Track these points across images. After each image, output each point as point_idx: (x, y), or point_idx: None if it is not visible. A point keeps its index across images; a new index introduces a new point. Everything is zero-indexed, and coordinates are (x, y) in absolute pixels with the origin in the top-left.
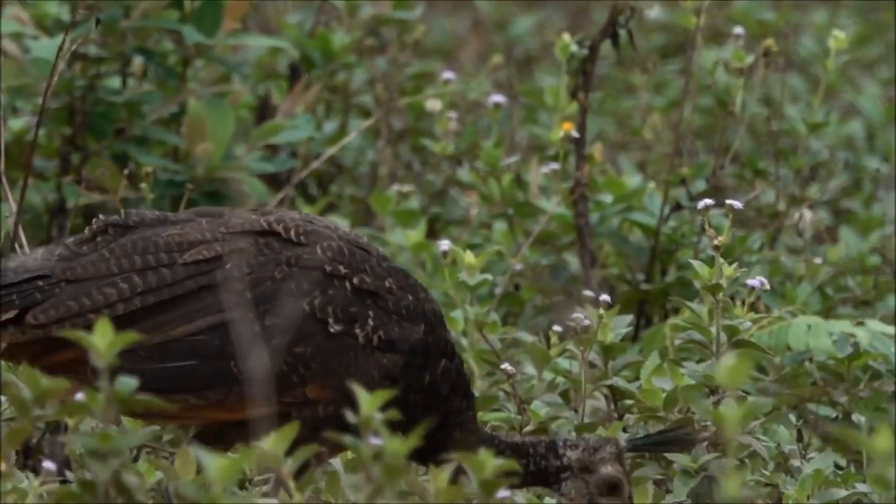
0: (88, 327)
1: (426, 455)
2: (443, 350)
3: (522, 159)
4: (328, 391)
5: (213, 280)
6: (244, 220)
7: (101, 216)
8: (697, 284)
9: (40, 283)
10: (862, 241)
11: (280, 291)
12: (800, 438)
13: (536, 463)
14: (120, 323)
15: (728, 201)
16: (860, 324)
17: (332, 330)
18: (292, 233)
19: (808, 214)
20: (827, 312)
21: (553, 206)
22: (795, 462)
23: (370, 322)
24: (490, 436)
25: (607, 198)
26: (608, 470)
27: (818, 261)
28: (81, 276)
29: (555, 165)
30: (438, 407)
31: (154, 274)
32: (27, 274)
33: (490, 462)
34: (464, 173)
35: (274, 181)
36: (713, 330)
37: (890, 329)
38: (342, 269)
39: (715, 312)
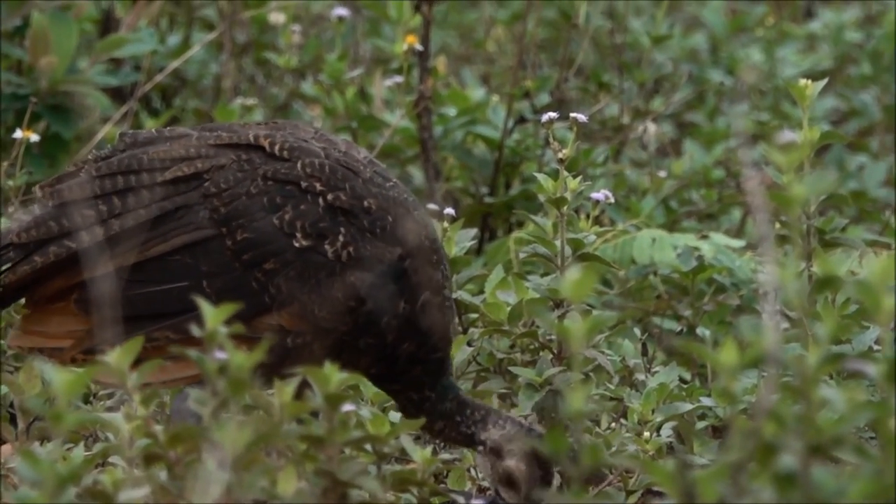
0: (70, 249)
1: (389, 385)
2: (427, 282)
3: (366, 72)
4: (298, 321)
5: (191, 199)
6: (234, 133)
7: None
8: (542, 198)
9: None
10: (706, 154)
11: (254, 206)
12: (644, 352)
13: (468, 426)
14: (101, 247)
15: (572, 114)
16: (704, 237)
17: (298, 245)
18: (276, 148)
19: (652, 127)
20: (671, 226)
21: (397, 119)
22: (640, 376)
23: (340, 238)
24: (452, 385)
25: (451, 111)
26: (510, 464)
27: (662, 174)
28: (66, 198)
29: (398, 79)
30: (412, 338)
31: (133, 195)
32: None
33: (335, 376)
34: (307, 86)
35: (118, 94)
36: (558, 243)
37: (734, 242)
38: (318, 186)
39: (559, 226)
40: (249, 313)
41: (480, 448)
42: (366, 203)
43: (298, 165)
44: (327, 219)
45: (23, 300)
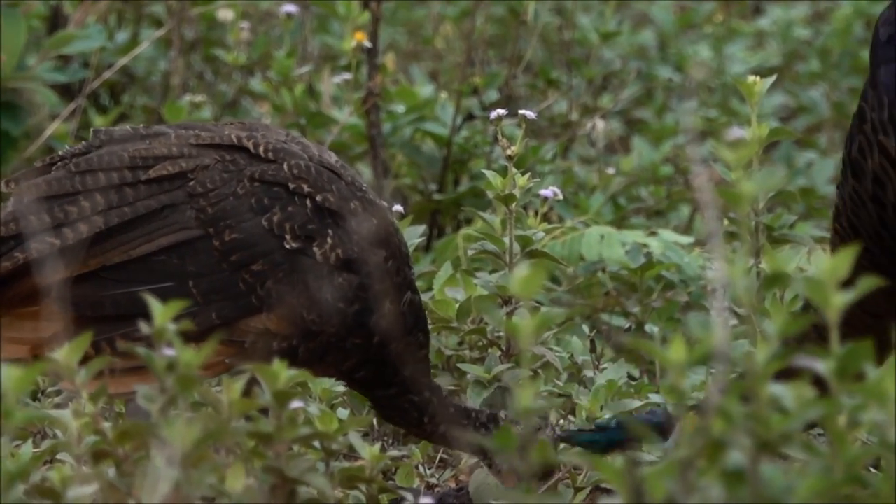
0: (52, 246)
1: (385, 390)
2: (407, 283)
3: (315, 69)
4: (285, 324)
5: (176, 198)
6: (215, 133)
7: (67, 147)
8: (490, 194)
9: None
10: (654, 150)
11: (241, 207)
12: (593, 349)
13: (477, 429)
14: (83, 244)
15: (521, 111)
16: (653, 234)
17: (287, 247)
18: (261, 149)
19: (600, 124)
20: (620, 222)
21: (345, 116)
22: (589, 373)
23: (329, 240)
24: (437, 387)
25: (400, 108)
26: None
27: (611, 171)
28: (46, 193)
29: (347, 75)
30: (401, 339)
31: (116, 193)
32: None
33: (283, 373)
34: (256, 83)
35: (66, 91)
36: (506, 240)
37: (682, 239)
38: (305, 188)
39: (508, 222)
40: (235, 314)
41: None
42: (352, 205)
43: (285, 167)
44: (316, 220)
45: None
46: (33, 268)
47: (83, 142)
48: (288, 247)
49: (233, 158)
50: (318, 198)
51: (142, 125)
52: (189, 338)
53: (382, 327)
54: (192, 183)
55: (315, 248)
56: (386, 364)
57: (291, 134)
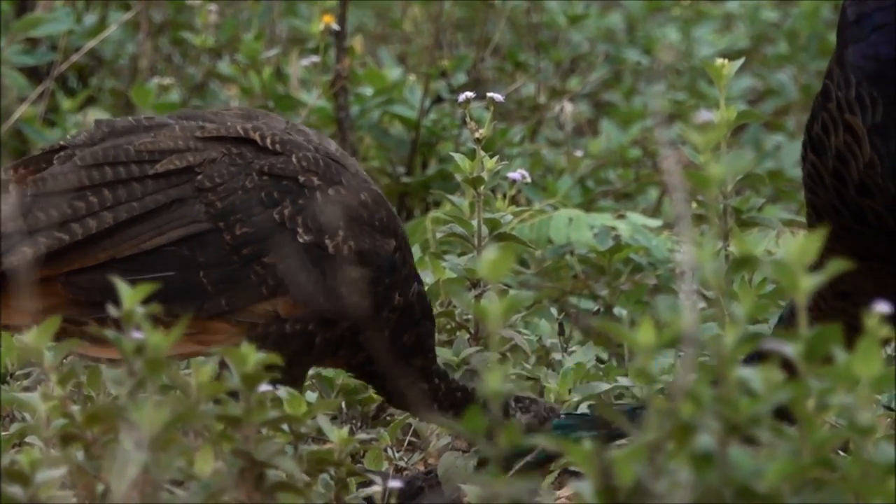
0: (62, 241)
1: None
2: (413, 273)
3: (283, 52)
4: (299, 308)
5: (185, 192)
6: (220, 125)
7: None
8: (458, 177)
9: None
10: (623, 133)
11: (251, 201)
12: (561, 332)
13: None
14: (93, 239)
15: (489, 94)
16: (621, 217)
17: (301, 240)
18: (268, 141)
19: (568, 107)
20: (588, 205)
21: (313, 98)
22: (557, 355)
23: (341, 232)
24: (444, 372)
25: (368, 91)
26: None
27: (579, 153)
28: (53, 188)
29: (315, 58)
30: (412, 329)
31: (124, 187)
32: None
33: (252, 356)
34: (224, 66)
35: (34, 74)
36: (474, 223)
37: (651, 222)
38: (315, 180)
39: (476, 205)
40: (245, 302)
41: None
42: (362, 196)
43: (293, 159)
44: (328, 213)
45: None
46: (40, 262)
47: (83, 132)
48: (301, 240)
49: (239, 151)
50: (330, 191)
51: (143, 116)
52: (197, 323)
53: (393, 321)
54: (199, 177)
55: (327, 241)
56: (397, 357)
57: (290, 123)
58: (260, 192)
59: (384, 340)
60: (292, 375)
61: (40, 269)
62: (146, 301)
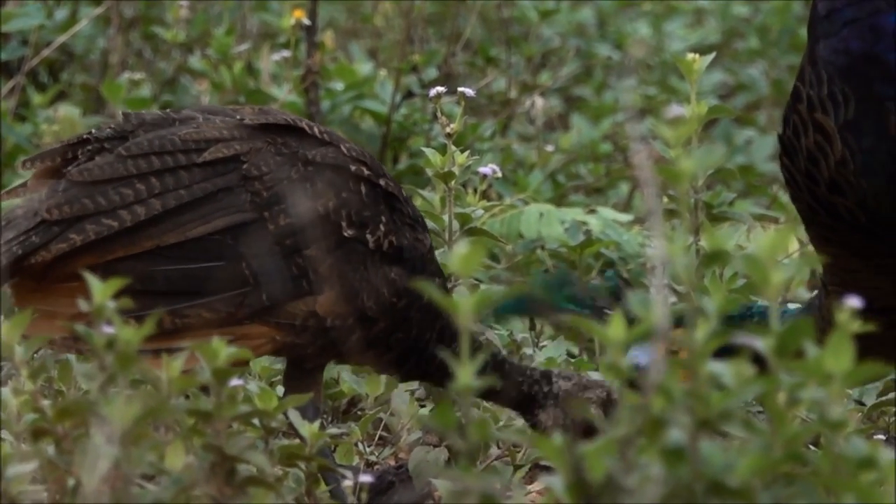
0: (110, 227)
1: (425, 375)
2: (438, 268)
3: (254, 47)
4: (334, 306)
5: (231, 181)
6: (266, 114)
7: (93, 131)
8: (429, 172)
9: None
10: (593, 128)
11: (296, 191)
12: (532, 326)
13: (530, 385)
14: (140, 226)
15: (460, 88)
16: (592, 211)
17: (345, 234)
18: (316, 130)
19: (539, 102)
20: (559, 200)
21: (284, 93)
22: (528, 350)
23: (382, 227)
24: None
25: (339, 85)
26: (591, 412)
27: (550, 148)
28: (98, 177)
29: (286, 53)
30: (433, 325)
31: (172, 176)
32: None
33: (223, 350)
34: (195, 61)
35: (5, 69)
36: (445, 218)
37: (622, 217)
38: (365, 171)
39: (447, 200)
40: (286, 297)
41: (550, 402)
42: (403, 191)
43: (343, 148)
44: (371, 206)
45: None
46: (87, 249)
47: (109, 126)
48: (346, 234)
49: (284, 141)
50: (381, 182)
51: (170, 109)
52: (237, 319)
53: (419, 320)
54: (245, 166)
55: (368, 235)
56: (423, 354)
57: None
58: (305, 183)
59: (410, 341)
60: (315, 379)
61: (83, 258)
62: (189, 292)
